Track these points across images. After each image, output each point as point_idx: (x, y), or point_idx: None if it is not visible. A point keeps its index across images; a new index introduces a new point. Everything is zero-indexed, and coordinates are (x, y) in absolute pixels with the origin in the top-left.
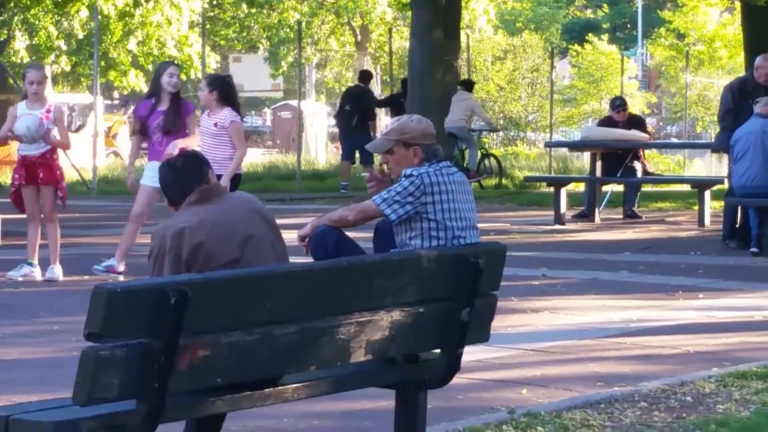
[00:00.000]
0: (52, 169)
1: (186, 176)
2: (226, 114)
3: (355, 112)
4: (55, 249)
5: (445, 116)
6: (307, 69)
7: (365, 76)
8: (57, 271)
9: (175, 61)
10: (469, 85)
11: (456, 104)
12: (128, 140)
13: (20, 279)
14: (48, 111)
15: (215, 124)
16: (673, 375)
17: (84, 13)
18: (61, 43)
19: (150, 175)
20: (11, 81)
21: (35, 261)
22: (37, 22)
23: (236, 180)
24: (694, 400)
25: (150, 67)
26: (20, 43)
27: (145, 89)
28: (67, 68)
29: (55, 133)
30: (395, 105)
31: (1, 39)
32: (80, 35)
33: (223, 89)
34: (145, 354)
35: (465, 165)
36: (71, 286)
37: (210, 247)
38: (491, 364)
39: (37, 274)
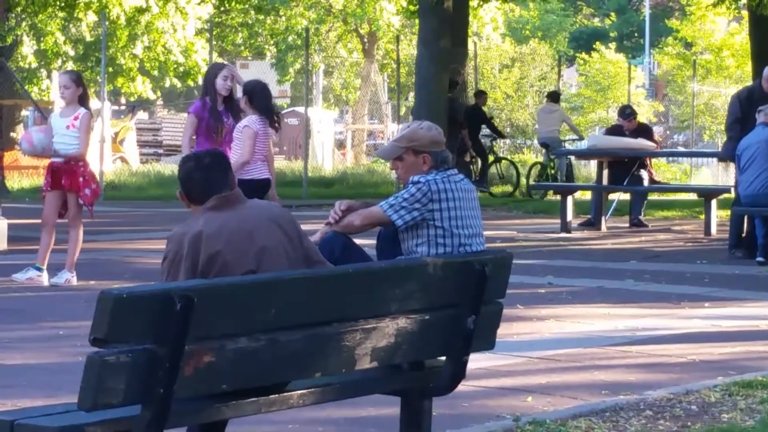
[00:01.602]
0: (75, 175)
1: (213, 176)
2: (245, 120)
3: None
4: (71, 254)
5: (452, 123)
6: (314, 76)
7: (450, 84)
8: (67, 276)
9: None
10: (556, 97)
11: (546, 115)
12: (135, 146)
13: (24, 282)
14: (75, 118)
15: (236, 127)
16: (678, 384)
17: (92, 17)
18: (69, 49)
19: None
20: (18, 86)
21: (44, 266)
22: (44, 28)
23: (262, 186)
24: (699, 409)
25: (156, 73)
26: (28, 48)
27: (152, 96)
28: None
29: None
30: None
31: (8, 44)
32: (87, 37)
33: (251, 95)
34: (151, 359)
35: (554, 173)
36: (77, 291)
37: (227, 257)
38: (496, 371)
39: (44, 279)
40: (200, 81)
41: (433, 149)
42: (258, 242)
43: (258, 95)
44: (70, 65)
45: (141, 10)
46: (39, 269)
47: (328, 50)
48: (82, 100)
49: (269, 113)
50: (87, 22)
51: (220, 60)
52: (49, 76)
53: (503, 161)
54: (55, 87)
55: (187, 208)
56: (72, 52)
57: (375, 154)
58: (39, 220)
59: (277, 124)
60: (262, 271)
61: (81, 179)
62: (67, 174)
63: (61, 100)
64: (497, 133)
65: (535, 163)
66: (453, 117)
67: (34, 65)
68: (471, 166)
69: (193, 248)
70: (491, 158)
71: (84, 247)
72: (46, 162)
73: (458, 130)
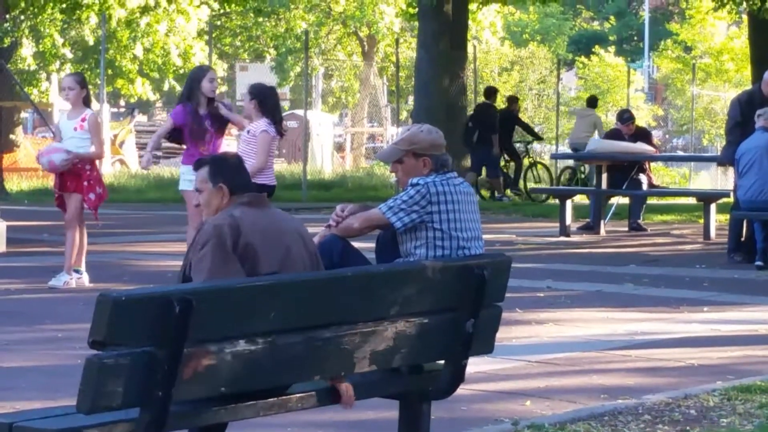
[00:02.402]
0: (80, 178)
1: (248, 176)
2: (260, 124)
3: (476, 127)
4: (69, 257)
5: (451, 125)
6: (313, 79)
7: (489, 92)
8: (65, 278)
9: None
10: (593, 102)
11: (580, 120)
12: (134, 148)
13: (73, 284)
14: (83, 120)
15: (248, 132)
16: (677, 388)
17: (93, 20)
18: (67, 51)
19: (190, 179)
20: (18, 88)
21: (82, 267)
22: (42, 30)
23: (271, 192)
24: (698, 413)
25: (156, 75)
26: (27, 50)
27: (152, 97)
28: None
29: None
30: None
31: (7, 45)
32: (90, 41)
33: (262, 99)
34: (149, 362)
35: (584, 178)
36: (75, 294)
37: (258, 250)
38: (495, 375)
39: (84, 279)
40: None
41: (433, 152)
42: (285, 245)
43: (269, 99)
44: (68, 67)
45: (144, 9)
46: (78, 271)
47: (328, 53)
48: (86, 101)
49: (279, 118)
50: (90, 26)
51: (220, 62)
52: (48, 78)
53: (539, 165)
54: (54, 89)
55: (218, 204)
56: (70, 55)
57: (375, 156)
58: (38, 223)
59: (283, 130)
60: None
61: (85, 183)
62: (72, 177)
63: (66, 101)
64: (534, 136)
65: (566, 168)
66: (490, 123)
67: (33, 67)
68: (505, 170)
69: (233, 234)
70: (527, 162)
71: None
72: None
73: (490, 135)
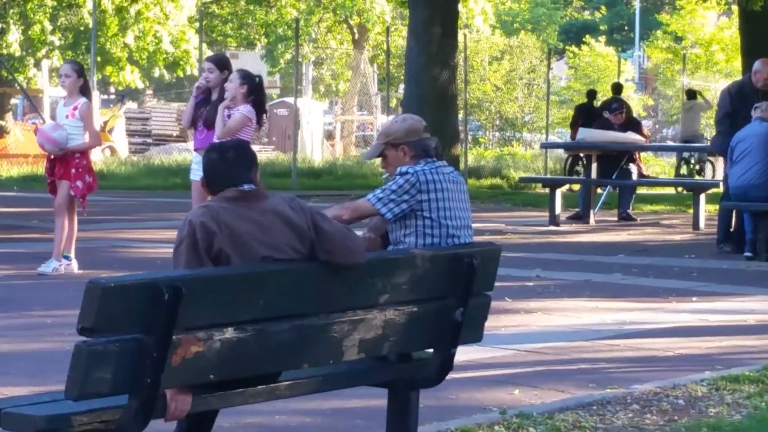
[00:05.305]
0: (68, 166)
1: (234, 169)
2: (242, 108)
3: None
4: (58, 243)
5: (442, 114)
6: (304, 67)
7: (617, 88)
8: (54, 265)
9: (218, 55)
10: (691, 94)
11: (686, 113)
12: (124, 135)
13: (62, 271)
14: (75, 108)
15: (228, 116)
16: (665, 378)
17: (90, 4)
18: (55, 38)
19: (197, 169)
20: (6, 74)
21: (71, 254)
22: (32, 16)
23: None
24: (686, 403)
25: (145, 63)
26: (13, 35)
27: (141, 85)
28: (59, 63)
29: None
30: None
31: None
32: (90, 24)
33: (254, 87)
34: (138, 349)
35: (696, 168)
36: (65, 280)
37: (231, 258)
38: (484, 364)
39: (73, 266)
40: (189, 71)
41: (410, 139)
42: (264, 248)
43: (258, 88)
44: (56, 54)
45: None
46: (67, 257)
47: (319, 41)
48: (83, 91)
49: (264, 109)
50: (88, 9)
51: (208, 51)
52: (36, 65)
53: None
54: (44, 75)
55: (208, 195)
56: (58, 42)
57: (362, 158)
58: (28, 209)
59: (264, 122)
60: None
61: (73, 171)
62: (61, 163)
63: (62, 89)
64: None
65: (681, 159)
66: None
67: (19, 53)
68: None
69: (206, 238)
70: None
71: None
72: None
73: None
